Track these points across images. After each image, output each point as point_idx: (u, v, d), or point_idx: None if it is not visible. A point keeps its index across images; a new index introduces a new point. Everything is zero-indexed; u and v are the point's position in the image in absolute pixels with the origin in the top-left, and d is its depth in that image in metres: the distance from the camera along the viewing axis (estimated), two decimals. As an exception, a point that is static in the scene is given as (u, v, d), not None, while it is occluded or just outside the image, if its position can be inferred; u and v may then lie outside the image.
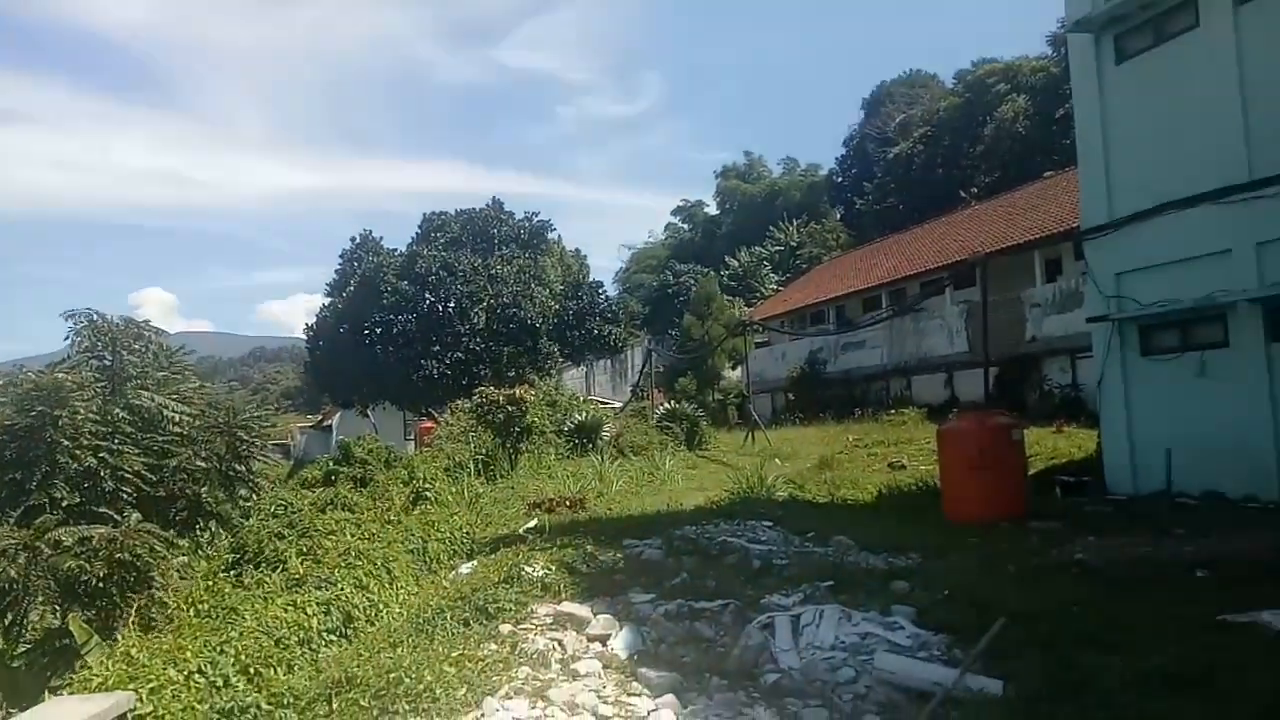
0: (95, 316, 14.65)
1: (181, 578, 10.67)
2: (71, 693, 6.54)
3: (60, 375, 12.70)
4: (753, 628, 6.17)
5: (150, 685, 6.22)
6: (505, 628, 6.90)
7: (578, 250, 47.70)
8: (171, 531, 12.18)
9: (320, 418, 56.96)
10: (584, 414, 22.72)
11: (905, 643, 5.73)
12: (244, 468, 14.91)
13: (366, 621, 8.67)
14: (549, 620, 7.06)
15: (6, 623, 9.12)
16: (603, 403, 32.09)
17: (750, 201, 71.48)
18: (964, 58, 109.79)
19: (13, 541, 9.33)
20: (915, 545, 9.15)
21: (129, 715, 5.68)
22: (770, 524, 10.69)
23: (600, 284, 41.90)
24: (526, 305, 35.54)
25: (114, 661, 7.03)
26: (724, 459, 21.94)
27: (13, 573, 8.96)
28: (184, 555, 11.79)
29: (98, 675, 6.51)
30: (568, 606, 7.25)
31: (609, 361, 45.34)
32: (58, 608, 9.40)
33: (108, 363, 14.10)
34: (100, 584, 9.45)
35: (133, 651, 7.16)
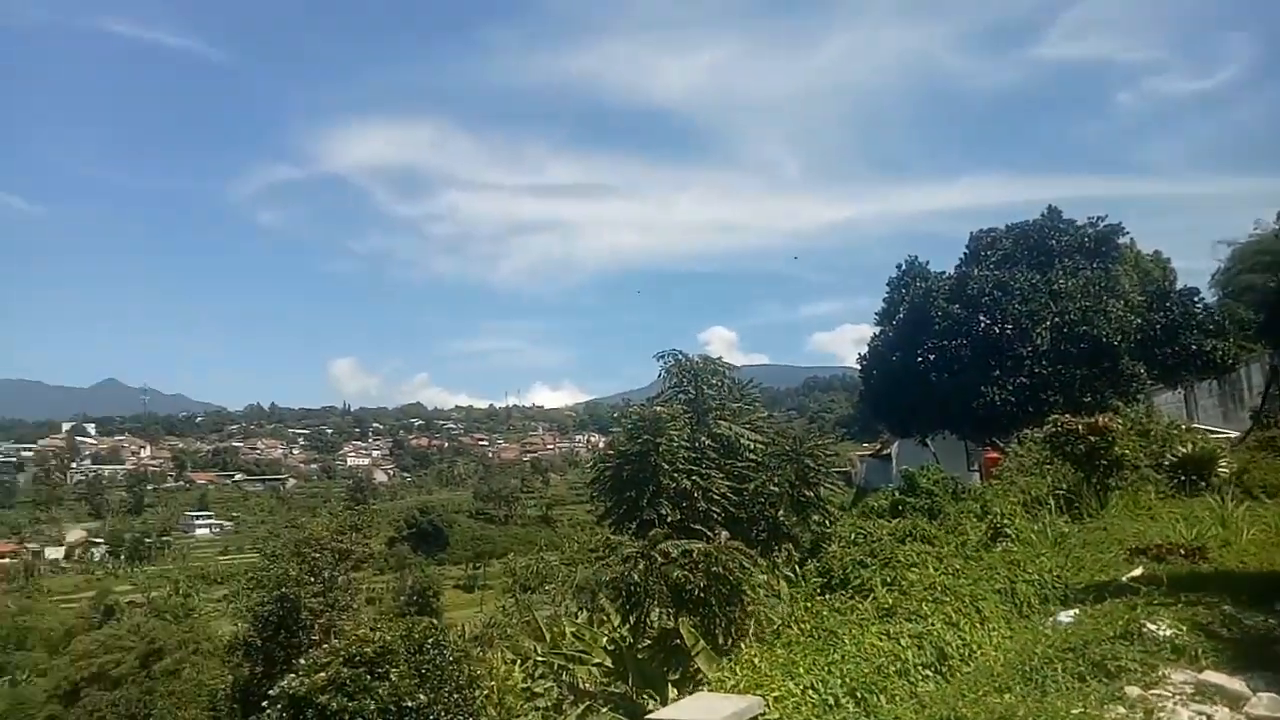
0: (680, 356, 17.08)
1: (765, 595, 11.55)
2: (709, 690, 7.57)
3: (657, 408, 15.06)
4: None
5: (774, 694, 6.85)
6: (1132, 690, 6.09)
7: (1158, 253, 41.38)
8: (755, 550, 13.47)
9: (879, 446, 58.15)
10: (1189, 446, 19.34)
11: None
12: (813, 493, 15.90)
13: (960, 661, 8.40)
14: (1189, 689, 6.06)
15: (633, 620, 10.91)
16: (1213, 432, 26.93)
17: None
18: None
19: (634, 550, 11.17)
20: None
21: (758, 719, 6.34)
22: None
23: (1195, 290, 35.61)
24: (1099, 322, 31.69)
25: (739, 667, 7.92)
26: None
27: (635, 576, 10.69)
28: (763, 574, 12.82)
29: (730, 678, 7.41)
30: (1213, 676, 6.13)
31: (1214, 383, 37.95)
32: (669, 611, 10.93)
33: (691, 396, 16.29)
34: (701, 594, 10.73)
35: (755, 661, 7.97)
